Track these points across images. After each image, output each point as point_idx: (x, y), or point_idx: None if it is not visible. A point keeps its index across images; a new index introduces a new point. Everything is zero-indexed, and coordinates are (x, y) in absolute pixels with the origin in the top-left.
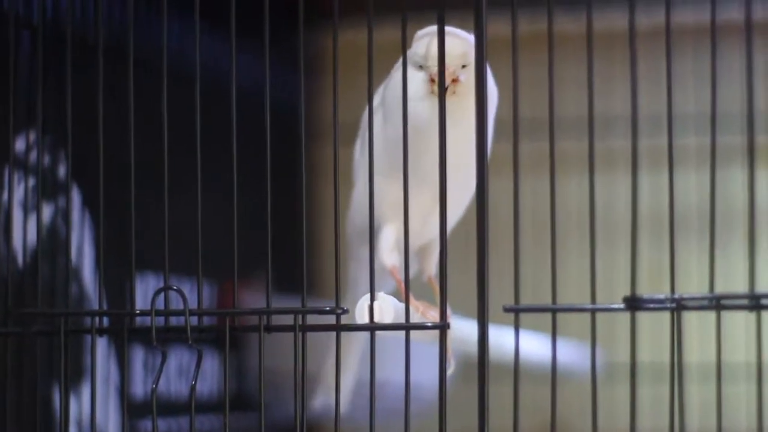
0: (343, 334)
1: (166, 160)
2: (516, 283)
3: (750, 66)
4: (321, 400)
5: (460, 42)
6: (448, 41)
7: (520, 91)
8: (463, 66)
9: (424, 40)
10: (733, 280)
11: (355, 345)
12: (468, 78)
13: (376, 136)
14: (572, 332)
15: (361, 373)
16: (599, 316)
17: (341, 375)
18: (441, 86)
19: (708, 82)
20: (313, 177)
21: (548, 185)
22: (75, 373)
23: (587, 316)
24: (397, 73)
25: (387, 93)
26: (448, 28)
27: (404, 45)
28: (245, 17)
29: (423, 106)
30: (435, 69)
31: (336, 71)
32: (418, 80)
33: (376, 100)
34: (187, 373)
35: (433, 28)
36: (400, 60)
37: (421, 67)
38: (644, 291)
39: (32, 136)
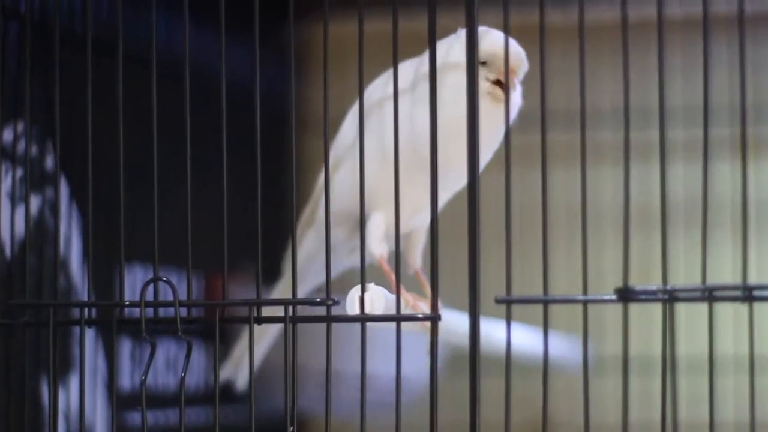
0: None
1: (155, 152)
2: (508, 274)
3: (742, 59)
4: (225, 375)
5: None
6: (513, 44)
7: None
8: None
9: (490, 36)
10: (720, 274)
11: (269, 330)
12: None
13: (401, 122)
14: (560, 325)
15: (345, 365)
16: (587, 309)
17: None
18: (432, 85)
19: (695, 75)
20: (300, 168)
21: (536, 178)
22: (63, 366)
23: (575, 309)
24: (453, 71)
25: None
26: (499, 33)
27: (395, 36)
28: (232, 9)
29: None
30: (501, 68)
31: (326, 63)
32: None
33: (408, 82)
34: (174, 366)
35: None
36: (453, 48)
37: (483, 64)
38: (632, 284)
39: (20, 127)
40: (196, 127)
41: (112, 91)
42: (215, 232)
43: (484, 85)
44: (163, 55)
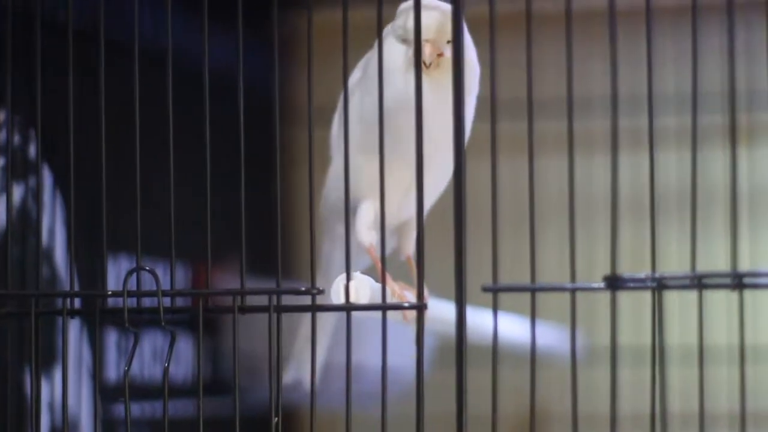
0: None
1: (137, 141)
2: (494, 262)
3: (731, 46)
4: (291, 375)
5: (444, 16)
6: (433, 15)
7: (498, 71)
8: (448, 41)
9: (408, 13)
10: (712, 262)
11: (327, 322)
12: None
13: (354, 112)
14: (549, 315)
15: (335, 355)
16: (578, 298)
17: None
18: (417, 62)
19: (687, 62)
20: (288, 159)
21: (526, 166)
22: (46, 356)
23: (565, 298)
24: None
25: (369, 67)
26: (430, 2)
27: (380, 24)
28: None
29: (406, 81)
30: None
31: (310, 52)
32: (401, 54)
33: (356, 75)
34: (161, 357)
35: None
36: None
37: (405, 41)
38: (622, 273)
39: (2, 116)
40: (183, 117)
41: (94, 80)
42: (203, 223)
43: (409, 62)
44: (147, 44)
